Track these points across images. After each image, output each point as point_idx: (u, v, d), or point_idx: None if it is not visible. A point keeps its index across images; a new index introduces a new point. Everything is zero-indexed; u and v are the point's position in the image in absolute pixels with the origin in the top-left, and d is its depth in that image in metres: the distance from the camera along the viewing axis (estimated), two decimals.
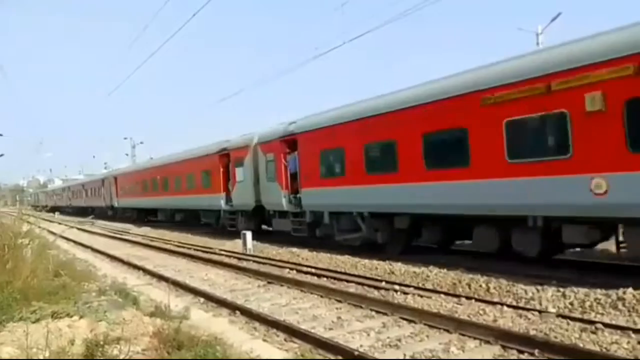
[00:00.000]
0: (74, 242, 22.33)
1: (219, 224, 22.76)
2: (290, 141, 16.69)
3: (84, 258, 16.53)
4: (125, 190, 36.82)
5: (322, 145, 14.98)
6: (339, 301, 9.13)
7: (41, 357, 4.56)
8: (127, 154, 64.28)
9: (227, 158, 21.27)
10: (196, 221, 25.82)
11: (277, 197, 17.13)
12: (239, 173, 20.06)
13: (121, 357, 4.66)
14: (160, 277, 12.47)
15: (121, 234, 27.38)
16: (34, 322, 5.75)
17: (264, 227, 20.25)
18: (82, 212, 49.12)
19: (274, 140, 17.50)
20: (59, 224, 36.25)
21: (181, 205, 26.65)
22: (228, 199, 21.18)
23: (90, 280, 9.84)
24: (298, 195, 16.26)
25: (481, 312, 7.86)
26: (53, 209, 56.53)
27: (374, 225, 13.49)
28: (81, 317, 6.20)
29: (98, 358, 4.66)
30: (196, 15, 15.95)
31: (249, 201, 19.29)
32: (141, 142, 66.46)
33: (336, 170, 14.50)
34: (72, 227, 31.07)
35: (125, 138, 72.55)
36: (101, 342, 4.81)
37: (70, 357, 4.61)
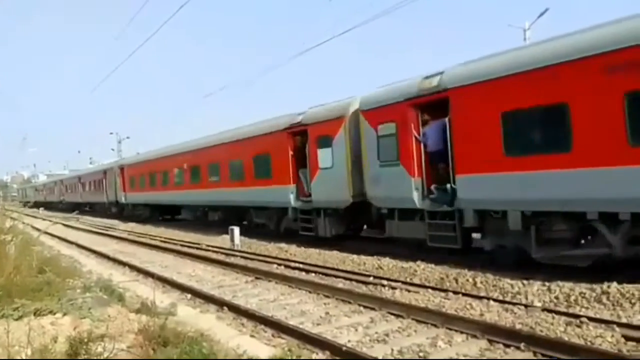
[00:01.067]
0: (59, 238, 22.06)
1: (282, 227, 17.45)
2: (428, 103, 11.38)
3: (69, 254, 16.36)
4: (136, 182, 30.57)
5: (507, 103, 9.58)
6: (327, 296, 9.12)
7: (23, 355, 4.47)
8: (113, 149, 63.88)
9: (300, 136, 15.89)
10: (239, 221, 19.34)
11: (402, 189, 11.83)
12: (324, 156, 14.66)
13: (105, 355, 4.60)
14: (147, 273, 12.35)
15: (107, 230, 27.11)
16: (16, 320, 5.65)
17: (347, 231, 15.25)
18: (77, 209, 47.47)
19: (397, 103, 12.00)
20: (43, 219, 35.77)
21: (221, 200, 20.82)
22: (301, 193, 15.86)
23: (75, 277, 9.71)
24: (447, 186, 10.97)
25: (468, 306, 7.90)
26: (39, 205, 53.62)
27: (635, 234, 8.30)
28: (65, 314, 6.11)
29: (82, 356, 4.59)
30: (184, 11, 15.56)
31: (341, 195, 13.94)
32: (127, 137, 65.85)
33: (546, 143, 9.12)
34: (56, 222, 30.65)
35: (111, 133, 71.99)
36: (85, 340, 4.74)
37: (53, 355, 4.54)
